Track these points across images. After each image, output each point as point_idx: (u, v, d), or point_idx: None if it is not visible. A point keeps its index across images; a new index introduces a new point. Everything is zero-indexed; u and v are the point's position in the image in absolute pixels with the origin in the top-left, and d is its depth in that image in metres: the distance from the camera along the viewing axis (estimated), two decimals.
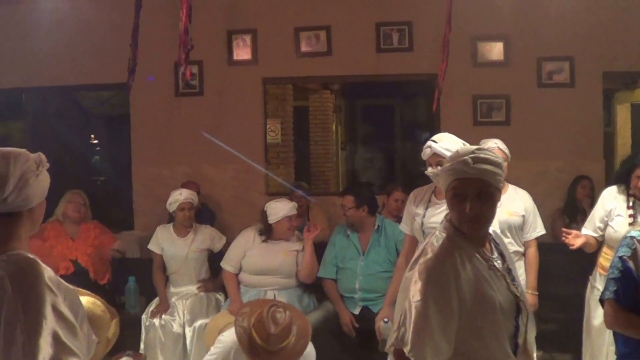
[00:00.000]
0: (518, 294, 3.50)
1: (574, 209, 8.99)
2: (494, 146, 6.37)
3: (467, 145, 4.28)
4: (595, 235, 6.35)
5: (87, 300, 4.54)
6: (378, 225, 7.53)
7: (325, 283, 7.64)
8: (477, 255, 3.43)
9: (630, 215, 6.15)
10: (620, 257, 4.14)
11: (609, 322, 4.26)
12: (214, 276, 8.12)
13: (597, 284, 6.33)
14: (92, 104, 15.82)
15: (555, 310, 7.62)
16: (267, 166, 10.42)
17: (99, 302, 4.61)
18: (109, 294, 8.08)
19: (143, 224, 10.09)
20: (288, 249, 7.74)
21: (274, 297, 7.53)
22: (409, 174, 16.91)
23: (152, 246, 8.23)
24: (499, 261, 3.52)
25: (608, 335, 6.09)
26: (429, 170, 3.28)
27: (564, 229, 6.29)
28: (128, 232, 10.05)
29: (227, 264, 7.82)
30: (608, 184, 6.79)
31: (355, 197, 7.45)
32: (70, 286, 3.26)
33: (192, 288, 8.07)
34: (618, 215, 6.20)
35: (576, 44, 9.44)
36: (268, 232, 7.77)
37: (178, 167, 10.07)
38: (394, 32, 9.73)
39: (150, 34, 8.72)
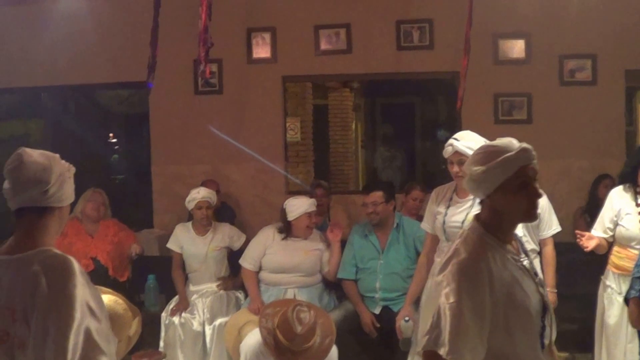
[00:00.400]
0: (544, 294, 3.47)
1: (596, 207, 8.85)
2: None
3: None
4: (605, 236, 6.31)
5: (108, 298, 4.54)
6: (397, 223, 7.48)
7: (345, 284, 7.60)
8: (508, 256, 3.39)
9: None
10: None
11: (634, 321, 4.21)
12: (234, 274, 8.12)
13: (610, 282, 6.31)
14: (111, 103, 15.84)
15: (578, 309, 7.57)
16: (286, 165, 10.40)
17: (120, 301, 4.61)
18: (129, 291, 8.07)
19: (162, 222, 10.09)
20: (309, 248, 7.73)
21: (294, 295, 7.51)
22: (429, 173, 16.87)
23: (171, 245, 8.24)
24: (526, 261, 3.48)
25: (625, 333, 6.07)
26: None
27: (577, 231, 6.26)
28: (147, 230, 10.06)
29: (246, 262, 7.82)
30: None
31: (384, 192, 7.38)
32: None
33: (212, 286, 8.06)
34: (627, 214, 6.17)
35: (598, 42, 9.37)
36: (287, 230, 7.76)
37: (198, 166, 10.07)
38: (414, 30, 9.69)
39: (169, 33, 8.70)
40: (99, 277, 7.40)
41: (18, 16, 10.37)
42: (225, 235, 8.18)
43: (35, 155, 3.34)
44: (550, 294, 6.30)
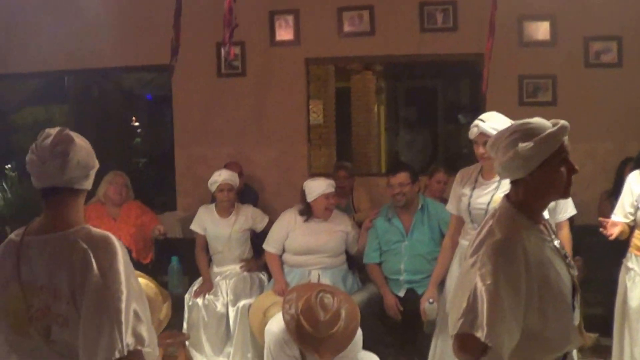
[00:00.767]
0: (574, 275, 3.44)
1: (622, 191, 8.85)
2: None
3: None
4: (626, 221, 6.28)
5: (139, 281, 4.56)
6: (422, 205, 7.46)
7: (370, 267, 7.60)
8: (541, 236, 3.37)
9: None
10: None
11: None
12: (257, 256, 8.13)
13: (632, 265, 6.29)
14: (134, 86, 15.86)
15: (602, 293, 7.53)
16: (309, 147, 10.37)
17: (152, 285, 4.64)
18: (152, 274, 8.04)
19: (185, 204, 10.10)
20: (332, 229, 7.75)
21: (318, 277, 7.53)
22: (451, 156, 16.81)
23: (194, 226, 8.26)
24: (556, 241, 3.46)
25: None
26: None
27: (600, 218, 6.23)
28: (170, 212, 10.09)
29: (269, 246, 7.86)
30: None
31: (410, 174, 7.35)
32: None
33: (235, 268, 8.09)
34: None
35: (624, 24, 9.27)
36: (308, 212, 7.77)
37: (221, 148, 10.05)
38: (438, 12, 9.63)
39: (192, 15, 8.69)
40: None
41: (42, 0, 10.37)
42: (249, 217, 8.19)
43: (78, 137, 3.38)
44: None
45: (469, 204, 5.76)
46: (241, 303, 7.71)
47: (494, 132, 5.11)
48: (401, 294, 7.34)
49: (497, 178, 5.59)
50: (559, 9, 9.32)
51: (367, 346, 6.02)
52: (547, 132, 3.30)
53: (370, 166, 15.66)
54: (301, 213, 7.82)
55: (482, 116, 5.71)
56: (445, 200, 7.82)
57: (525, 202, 3.39)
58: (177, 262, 8.16)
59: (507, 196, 3.46)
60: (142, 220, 8.39)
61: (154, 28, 9.55)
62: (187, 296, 7.88)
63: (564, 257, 3.45)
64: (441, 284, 6.39)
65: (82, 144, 3.37)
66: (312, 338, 5.32)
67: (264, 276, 8.11)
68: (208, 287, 7.91)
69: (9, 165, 14.71)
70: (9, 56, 10.35)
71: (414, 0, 9.63)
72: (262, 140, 10.01)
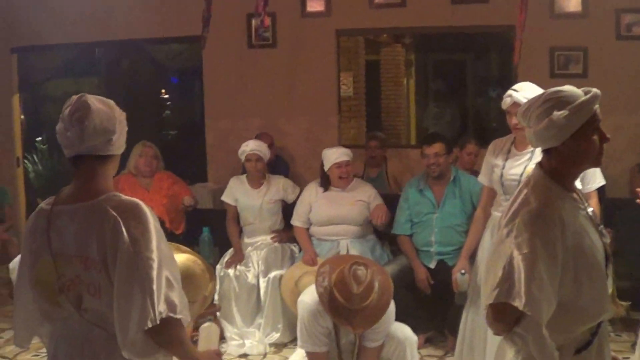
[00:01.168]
0: (607, 243, 3.44)
1: None
2: None
3: None
4: None
5: (187, 258, 4.59)
6: (454, 177, 7.45)
7: (400, 239, 7.62)
8: (574, 204, 3.37)
9: None
10: None
11: None
12: (288, 227, 8.14)
13: None
14: (165, 58, 15.89)
15: (633, 266, 7.51)
16: (339, 119, 10.37)
17: (199, 262, 4.65)
18: (184, 244, 8.11)
19: (216, 176, 10.15)
20: (352, 199, 7.78)
21: (347, 247, 7.58)
22: (481, 129, 16.78)
23: (226, 197, 8.29)
24: (590, 208, 3.46)
25: None
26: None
27: (638, 189, 6.20)
28: (201, 184, 10.13)
29: (296, 220, 7.94)
30: None
31: (445, 144, 7.35)
32: None
33: (267, 239, 8.11)
34: None
35: None
36: (326, 181, 7.84)
37: (251, 120, 10.07)
38: None
39: None
40: None
41: None
42: (280, 187, 8.20)
43: (98, 102, 3.34)
44: None
45: (501, 175, 5.74)
46: (272, 274, 7.73)
47: None
48: (432, 265, 7.37)
49: (530, 149, 5.57)
50: None
51: (397, 318, 6.03)
52: (580, 100, 3.29)
53: (400, 139, 15.67)
54: (321, 183, 7.88)
55: (516, 86, 5.68)
56: (476, 173, 7.81)
57: (558, 171, 3.37)
58: (209, 233, 8.18)
59: (539, 165, 3.45)
60: (174, 191, 8.43)
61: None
62: (218, 267, 7.90)
63: (597, 225, 3.45)
64: (472, 256, 6.39)
65: (100, 109, 3.31)
66: (345, 310, 5.32)
67: (295, 247, 8.12)
68: (239, 258, 7.95)
69: (40, 138, 14.82)
70: (40, 28, 10.39)
71: None
72: (292, 111, 10.03)
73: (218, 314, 7.57)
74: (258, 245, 8.06)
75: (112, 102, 3.41)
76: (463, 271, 6.34)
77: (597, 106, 3.33)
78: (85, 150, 3.29)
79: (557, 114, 3.26)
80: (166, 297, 3.14)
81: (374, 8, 9.76)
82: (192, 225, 8.53)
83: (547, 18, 9.36)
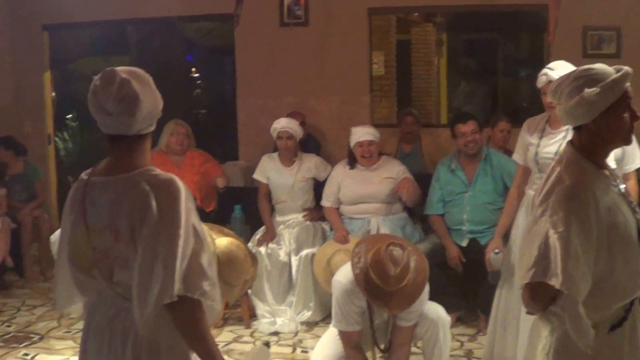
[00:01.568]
0: None
1: None
2: None
3: None
4: None
5: (230, 242, 4.58)
6: (485, 155, 7.43)
7: (432, 218, 7.62)
8: (607, 181, 3.35)
9: None
10: None
11: None
12: (320, 205, 8.13)
13: None
14: (196, 36, 15.90)
15: None
16: (371, 98, 10.34)
17: (242, 246, 4.64)
18: (215, 222, 8.12)
19: (248, 154, 10.13)
20: (379, 176, 7.80)
21: (377, 225, 7.61)
22: (511, 109, 16.69)
23: (257, 175, 8.30)
24: (622, 185, 3.44)
25: None
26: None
27: None
28: (232, 162, 10.13)
29: (326, 201, 7.97)
30: None
31: (477, 122, 7.36)
32: None
33: (298, 217, 8.13)
34: None
35: None
36: (352, 158, 7.88)
37: (283, 98, 10.05)
38: None
39: None
40: None
41: None
42: (312, 165, 8.20)
43: (142, 86, 3.28)
44: None
45: (536, 154, 5.71)
46: (304, 252, 7.75)
47: None
48: (464, 244, 7.37)
49: (564, 127, 5.53)
50: None
51: (429, 297, 6.02)
52: (612, 77, 3.28)
53: (430, 118, 15.63)
54: (348, 160, 7.92)
55: (551, 65, 5.66)
56: (508, 151, 7.82)
57: (589, 148, 3.36)
58: (240, 211, 8.19)
59: (571, 142, 3.44)
60: (206, 168, 8.46)
61: None
62: (250, 245, 7.87)
63: (630, 202, 3.43)
64: (506, 235, 6.36)
65: (147, 94, 3.27)
66: (381, 292, 5.28)
67: (326, 225, 8.13)
68: (271, 235, 7.96)
69: (70, 116, 14.87)
70: (71, 5, 10.39)
71: None
72: (324, 90, 10.00)
73: (250, 291, 7.59)
74: (290, 223, 8.07)
75: (148, 77, 3.37)
76: (497, 250, 6.31)
77: (628, 84, 3.32)
78: (133, 133, 3.28)
79: (587, 91, 3.25)
80: (188, 276, 3.12)
81: None
82: (223, 203, 8.56)
83: None
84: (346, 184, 7.83)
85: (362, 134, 7.75)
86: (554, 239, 3.14)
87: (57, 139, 13.11)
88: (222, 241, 4.57)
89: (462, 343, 7.10)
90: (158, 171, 3.28)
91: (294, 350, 7.15)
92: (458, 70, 18.07)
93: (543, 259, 3.15)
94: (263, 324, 7.65)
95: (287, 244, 7.88)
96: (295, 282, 7.77)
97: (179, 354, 3.30)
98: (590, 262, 3.16)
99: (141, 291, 3.09)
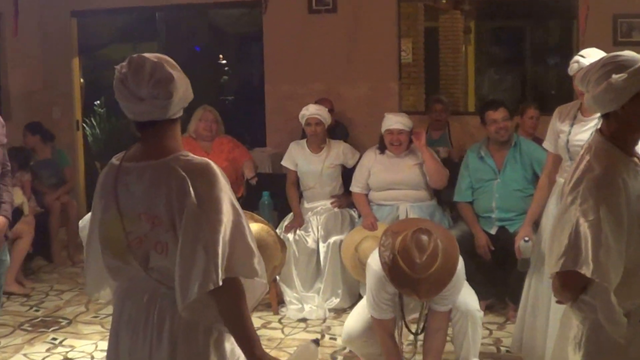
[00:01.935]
0: None
1: None
2: None
3: None
4: None
5: (261, 227, 4.60)
6: (515, 142, 7.41)
7: (461, 205, 7.60)
8: (635, 169, 3.33)
9: None
10: None
11: None
12: (348, 192, 8.13)
13: None
14: (224, 23, 15.91)
15: None
16: (400, 85, 10.32)
17: (272, 232, 4.66)
18: (243, 209, 8.13)
19: (276, 141, 10.15)
20: (408, 164, 7.77)
21: (406, 211, 7.60)
22: (539, 97, 16.64)
23: (285, 162, 8.30)
24: None
25: None
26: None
27: None
28: (260, 149, 10.15)
29: (355, 187, 7.94)
30: None
31: (508, 109, 7.35)
32: None
33: (326, 204, 8.12)
34: None
35: None
36: (382, 144, 7.85)
37: (311, 85, 10.05)
38: None
39: None
40: None
41: None
42: (340, 152, 8.19)
43: (174, 69, 3.27)
44: None
45: (567, 141, 5.68)
46: (332, 239, 7.76)
47: None
48: (492, 231, 7.36)
49: (596, 115, 5.47)
50: None
51: None
52: (638, 64, 3.26)
53: (458, 106, 15.60)
54: (379, 145, 7.90)
55: (582, 52, 5.63)
56: (536, 139, 7.79)
57: (618, 136, 3.35)
58: (268, 197, 8.21)
59: (599, 130, 3.43)
60: (235, 155, 8.45)
61: None
62: (278, 231, 7.88)
63: None
64: (536, 223, 6.33)
65: (180, 77, 3.26)
66: (409, 279, 5.23)
67: (354, 212, 8.12)
68: (299, 222, 7.98)
69: (98, 102, 14.94)
70: None
71: None
72: (352, 77, 9.99)
73: (278, 277, 7.61)
74: (318, 210, 8.07)
75: (174, 62, 3.35)
76: (527, 238, 6.27)
77: None
78: (165, 118, 3.27)
79: (615, 77, 3.24)
80: (235, 258, 3.13)
81: None
82: (251, 190, 8.54)
83: None
84: (375, 169, 7.82)
85: (393, 121, 7.73)
86: (584, 227, 3.13)
87: (84, 126, 13.15)
88: (253, 227, 4.58)
89: (490, 331, 7.08)
90: (191, 156, 3.26)
91: (322, 337, 7.15)
92: (486, 57, 18.02)
93: (573, 248, 3.15)
94: (291, 311, 7.68)
95: (315, 230, 7.89)
96: (323, 269, 7.78)
97: (216, 337, 3.30)
98: (622, 250, 3.14)
99: (183, 278, 3.08)
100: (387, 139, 7.73)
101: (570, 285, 3.22)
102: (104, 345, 6.60)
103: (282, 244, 4.76)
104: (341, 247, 7.55)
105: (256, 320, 7.49)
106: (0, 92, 10.76)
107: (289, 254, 7.72)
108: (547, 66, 17.64)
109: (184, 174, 3.15)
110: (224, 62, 17.77)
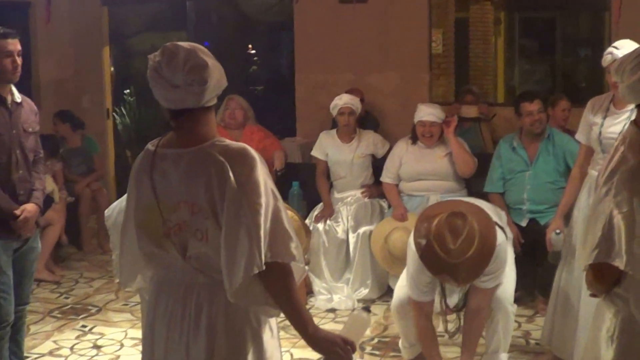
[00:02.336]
0: None
1: None
2: None
3: None
4: None
5: None
6: (548, 134, 7.38)
7: (492, 196, 7.52)
8: None
9: None
10: None
11: None
12: (378, 182, 8.13)
13: None
14: (255, 12, 15.90)
15: None
16: (431, 75, 10.30)
17: (296, 218, 4.65)
18: None
19: (306, 130, 10.14)
20: (442, 153, 7.78)
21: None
22: (570, 89, 16.56)
23: (315, 152, 8.31)
24: None
25: None
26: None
27: None
28: (290, 138, 10.16)
29: (386, 177, 7.93)
30: None
31: (542, 101, 7.33)
32: None
33: (357, 194, 8.13)
34: None
35: None
36: (414, 134, 7.85)
37: (342, 75, 10.03)
38: None
39: None
40: None
41: None
42: (370, 142, 8.20)
43: (209, 57, 3.29)
44: None
45: (599, 133, 5.65)
46: (362, 229, 7.77)
47: None
48: (523, 224, 7.32)
49: (630, 107, 5.45)
50: None
51: None
52: None
53: (488, 97, 15.55)
54: (411, 135, 7.90)
55: (616, 43, 5.62)
56: (567, 131, 7.76)
57: None
58: (298, 187, 8.22)
59: (634, 122, 3.42)
60: (265, 145, 8.47)
61: None
62: (307, 221, 7.89)
63: None
64: (567, 215, 6.30)
65: (214, 64, 3.27)
66: (446, 265, 5.16)
67: (384, 203, 8.12)
68: (329, 212, 7.98)
69: (128, 90, 14.97)
70: None
71: None
72: (383, 67, 9.96)
73: (307, 267, 7.61)
74: (348, 200, 8.08)
75: (207, 50, 3.36)
76: (558, 231, 6.25)
77: None
78: (200, 105, 3.27)
79: None
80: (275, 242, 3.14)
81: None
82: (281, 180, 8.55)
83: None
84: (406, 159, 7.81)
85: (425, 113, 7.72)
86: (618, 219, 3.11)
87: (114, 114, 13.20)
88: None
89: (519, 324, 7.03)
90: (228, 141, 3.26)
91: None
92: (516, 49, 17.96)
93: (607, 240, 3.13)
94: (320, 301, 7.69)
95: (344, 221, 7.90)
96: (352, 260, 7.78)
97: (255, 327, 3.32)
98: None
99: (229, 264, 3.10)
100: (419, 130, 7.72)
101: (604, 278, 3.20)
102: (134, 333, 6.66)
103: (307, 229, 4.75)
104: (371, 237, 7.57)
105: None
106: (31, 80, 10.80)
107: (319, 244, 7.75)
108: (577, 58, 17.55)
109: (222, 159, 3.15)
110: (253, 51, 17.77)
